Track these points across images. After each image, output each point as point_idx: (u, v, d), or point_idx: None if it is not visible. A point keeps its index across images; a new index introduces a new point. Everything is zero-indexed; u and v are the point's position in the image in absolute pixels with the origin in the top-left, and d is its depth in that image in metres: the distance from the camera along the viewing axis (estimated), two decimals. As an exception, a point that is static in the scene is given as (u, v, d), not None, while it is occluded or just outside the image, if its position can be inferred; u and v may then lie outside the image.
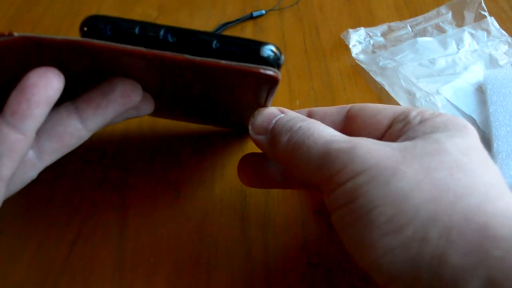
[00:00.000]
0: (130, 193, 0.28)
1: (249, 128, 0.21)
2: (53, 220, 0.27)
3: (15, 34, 0.15)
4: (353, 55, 0.37)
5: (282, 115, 0.21)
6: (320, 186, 0.18)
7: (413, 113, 0.19)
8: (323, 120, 0.21)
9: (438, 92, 0.33)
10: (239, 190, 0.28)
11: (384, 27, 0.39)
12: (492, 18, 0.38)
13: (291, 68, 0.37)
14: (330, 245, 0.25)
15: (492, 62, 0.35)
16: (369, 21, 0.41)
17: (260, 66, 0.16)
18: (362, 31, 0.39)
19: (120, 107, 0.19)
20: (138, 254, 0.25)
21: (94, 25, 0.17)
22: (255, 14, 0.41)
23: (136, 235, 0.26)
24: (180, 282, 0.24)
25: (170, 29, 0.17)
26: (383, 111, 0.20)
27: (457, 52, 0.36)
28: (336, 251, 0.25)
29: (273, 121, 0.21)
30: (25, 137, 0.16)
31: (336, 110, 0.22)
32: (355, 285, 0.24)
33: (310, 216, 0.27)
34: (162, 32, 0.17)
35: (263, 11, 0.41)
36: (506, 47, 0.36)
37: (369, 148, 0.17)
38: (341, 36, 0.39)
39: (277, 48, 0.17)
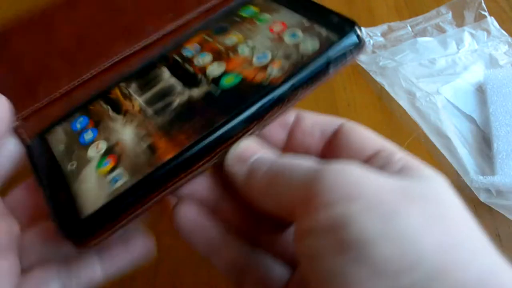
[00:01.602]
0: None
1: (226, 160, 0.19)
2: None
3: None
4: (353, 55, 0.37)
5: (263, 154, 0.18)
6: (295, 213, 0.16)
7: (397, 156, 0.17)
8: (312, 128, 0.20)
9: (438, 92, 0.33)
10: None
11: (384, 27, 0.39)
12: (492, 18, 0.38)
13: (291, 68, 0.37)
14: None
15: (492, 62, 0.35)
16: (369, 21, 0.41)
17: None
18: (362, 31, 0.39)
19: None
20: (138, 254, 0.25)
21: None
22: (255, 14, 0.41)
23: (136, 235, 0.26)
24: (181, 281, 0.24)
25: None
26: (371, 141, 0.18)
27: (457, 52, 0.36)
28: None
29: (255, 156, 0.18)
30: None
31: (327, 121, 0.20)
32: None
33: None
34: None
35: (263, 11, 0.41)
36: (506, 47, 0.36)
37: (366, 175, 0.15)
38: (341, 36, 0.39)
39: None
